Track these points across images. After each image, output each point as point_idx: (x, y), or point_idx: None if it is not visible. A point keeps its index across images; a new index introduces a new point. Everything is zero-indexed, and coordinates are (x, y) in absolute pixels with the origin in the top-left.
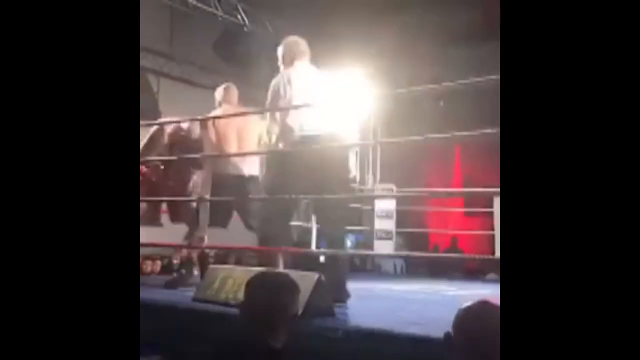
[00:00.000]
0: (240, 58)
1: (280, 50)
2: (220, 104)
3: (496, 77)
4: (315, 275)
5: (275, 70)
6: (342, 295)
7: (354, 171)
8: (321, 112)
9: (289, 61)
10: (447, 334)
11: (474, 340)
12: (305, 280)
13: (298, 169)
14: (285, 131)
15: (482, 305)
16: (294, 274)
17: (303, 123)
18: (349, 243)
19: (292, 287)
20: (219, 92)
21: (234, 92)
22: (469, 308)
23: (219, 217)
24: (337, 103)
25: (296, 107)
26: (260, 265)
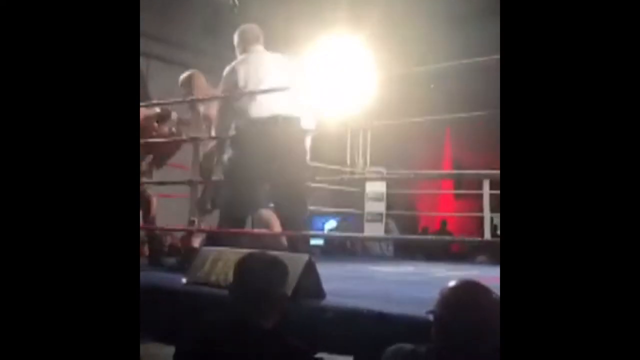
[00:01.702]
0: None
1: (235, 38)
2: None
3: (486, 58)
4: (305, 257)
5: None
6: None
7: (309, 153)
8: (274, 95)
9: (243, 47)
10: (431, 312)
11: (458, 317)
12: (295, 262)
13: (253, 152)
14: (236, 115)
15: (466, 284)
16: (284, 255)
17: (253, 106)
18: (334, 224)
19: (280, 268)
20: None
21: (201, 79)
22: (452, 286)
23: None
24: (290, 86)
25: (253, 93)
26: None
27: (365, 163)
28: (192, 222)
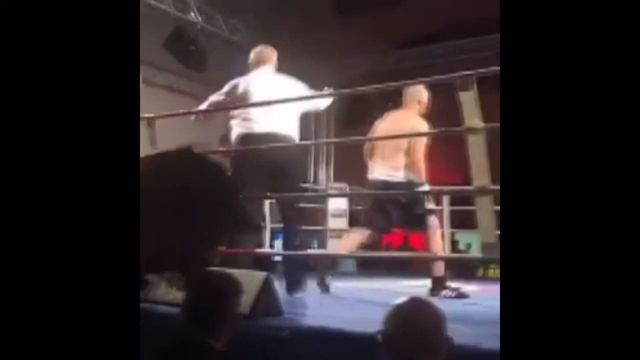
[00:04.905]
0: (193, 57)
1: (249, 58)
2: None
3: (446, 77)
4: (262, 274)
5: (230, 71)
6: (299, 286)
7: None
8: (270, 114)
9: (253, 67)
10: (379, 332)
11: (403, 335)
12: (253, 279)
13: (254, 169)
14: (231, 130)
15: (410, 301)
16: (242, 274)
17: (249, 122)
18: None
19: (234, 287)
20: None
21: None
22: (397, 305)
23: None
24: (285, 105)
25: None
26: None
27: (327, 179)
28: None
